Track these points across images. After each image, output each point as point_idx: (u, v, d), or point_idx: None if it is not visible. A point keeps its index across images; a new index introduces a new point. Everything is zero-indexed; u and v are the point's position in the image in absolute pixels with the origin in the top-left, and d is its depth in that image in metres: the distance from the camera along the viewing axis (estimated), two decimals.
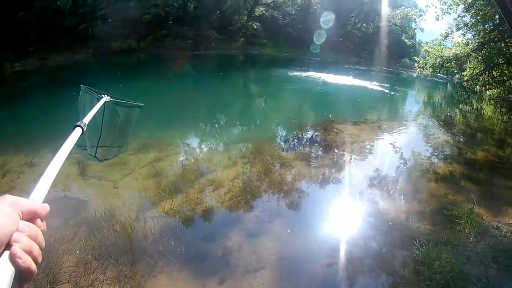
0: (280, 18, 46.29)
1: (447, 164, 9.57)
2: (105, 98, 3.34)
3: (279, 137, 11.70)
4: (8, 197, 0.77)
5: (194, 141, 10.98)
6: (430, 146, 11.16)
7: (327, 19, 40.57)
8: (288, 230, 5.99)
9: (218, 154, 9.52)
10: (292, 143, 10.76)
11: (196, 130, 12.52)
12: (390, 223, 6.22)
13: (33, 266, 0.74)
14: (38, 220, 0.82)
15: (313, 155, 9.53)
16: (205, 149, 10.17)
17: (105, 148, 5.71)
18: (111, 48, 32.45)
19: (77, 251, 5.02)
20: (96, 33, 33.16)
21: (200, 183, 7.34)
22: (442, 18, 24.84)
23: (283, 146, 10.24)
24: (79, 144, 5.63)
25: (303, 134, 11.62)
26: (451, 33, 25.42)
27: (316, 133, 11.71)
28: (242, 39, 43.38)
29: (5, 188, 7.08)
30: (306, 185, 7.56)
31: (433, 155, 10.34)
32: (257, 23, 43.96)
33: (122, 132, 5.48)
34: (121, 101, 4.73)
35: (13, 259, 0.69)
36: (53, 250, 4.88)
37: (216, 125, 14.04)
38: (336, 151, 9.78)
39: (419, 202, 7.01)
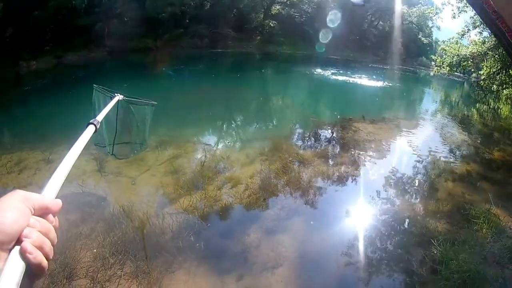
0: (296, 16, 46.25)
1: (464, 164, 9.51)
2: (118, 97, 3.41)
3: (297, 135, 11.66)
4: (20, 192, 0.78)
5: (211, 139, 11.04)
6: (447, 145, 11.09)
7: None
8: (312, 222, 6.02)
9: (236, 152, 9.52)
10: (310, 141, 10.77)
11: (214, 127, 12.59)
12: (408, 222, 6.20)
13: (44, 262, 0.74)
14: (50, 216, 0.83)
15: (331, 153, 9.53)
16: (222, 147, 10.17)
17: (124, 145, 5.78)
18: (128, 46, 32.56)
19: (95, 247, 5.05)
20: (112, 31, 33.33)
21: (218, 180, 7.35)
22: (459, 16, 24.61)
23: (301, 144, 10.29)
24: (97, 143, 5.71)
25: (321, 132, 11.60)
26: (467, 31, 25.22)
27: (334, 131, 11.73)
28: (258, 37, 43.49)
29: (22, 184, 7.09)
30: (324, 183, 7.55)
31: (450, 154, 10.29)
32: (274, 22, 44.07)
33: (138, 130, 5.55)
34: (134, 99, 4.81)
35: (23, 255, 0.70)
36: (70, 245, 4.93)
37: (233, 123, 14.08)
38: (354, 149, 9.77)
39: (436, 201, 6.95)
